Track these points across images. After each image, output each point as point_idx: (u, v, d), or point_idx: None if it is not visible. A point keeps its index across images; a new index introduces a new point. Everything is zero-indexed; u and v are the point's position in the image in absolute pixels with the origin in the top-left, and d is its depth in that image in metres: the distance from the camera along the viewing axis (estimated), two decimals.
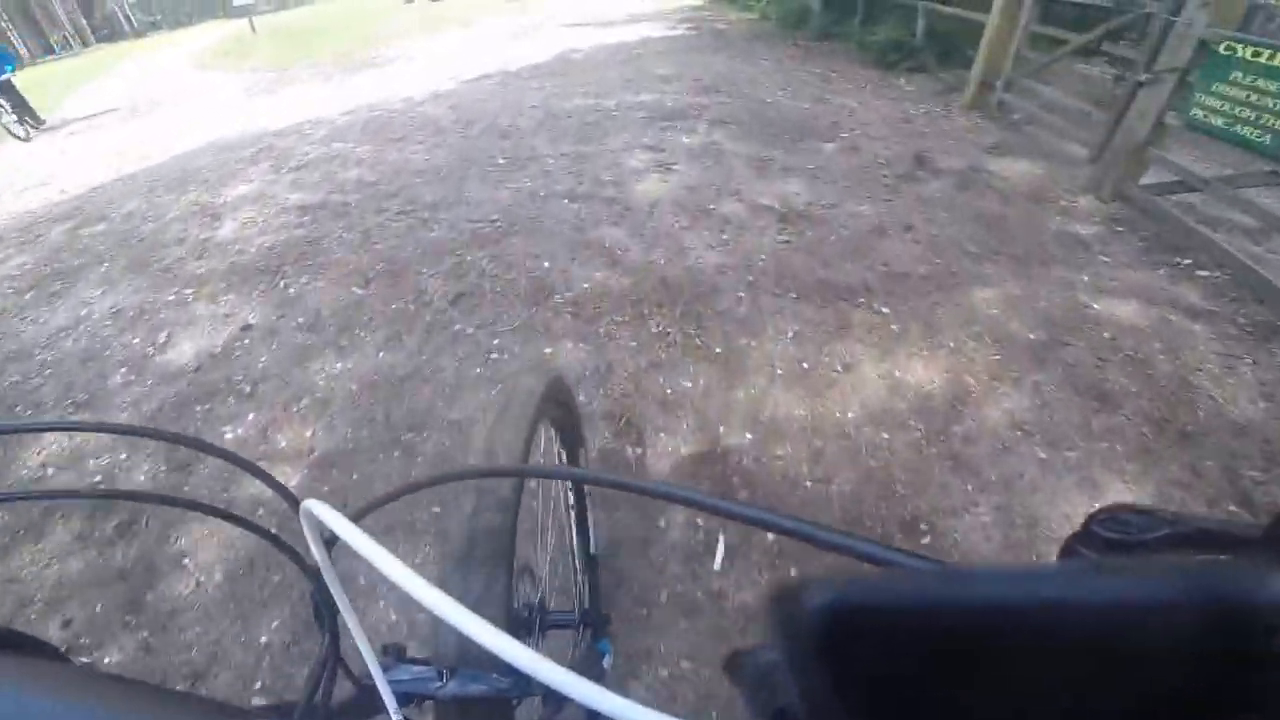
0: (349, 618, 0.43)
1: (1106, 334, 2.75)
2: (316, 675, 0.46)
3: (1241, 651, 0.15)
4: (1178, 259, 3.36)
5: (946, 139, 4.93)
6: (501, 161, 4.74)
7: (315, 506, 0.37)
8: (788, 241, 3.47)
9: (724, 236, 3.55)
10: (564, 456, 1.17)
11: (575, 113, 5.49)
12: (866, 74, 6.83)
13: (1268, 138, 3.14)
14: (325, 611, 0.47)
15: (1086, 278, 3.18)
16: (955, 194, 4.00)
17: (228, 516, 0.49)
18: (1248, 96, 3.21)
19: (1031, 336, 2.74)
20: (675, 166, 4.41)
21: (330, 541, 0.42)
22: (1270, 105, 3.11)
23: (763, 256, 3.35)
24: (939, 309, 2.93)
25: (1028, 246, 3.43)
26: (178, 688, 1.31)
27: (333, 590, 0.42)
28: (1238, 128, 3.30)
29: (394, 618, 1.72)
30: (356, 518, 0.39)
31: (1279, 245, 3.37)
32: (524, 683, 0.53)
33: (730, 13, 11.31)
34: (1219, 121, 3.39)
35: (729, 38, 9.09)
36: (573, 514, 1.26)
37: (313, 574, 0.45)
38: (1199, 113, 3.46)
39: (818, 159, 4.39)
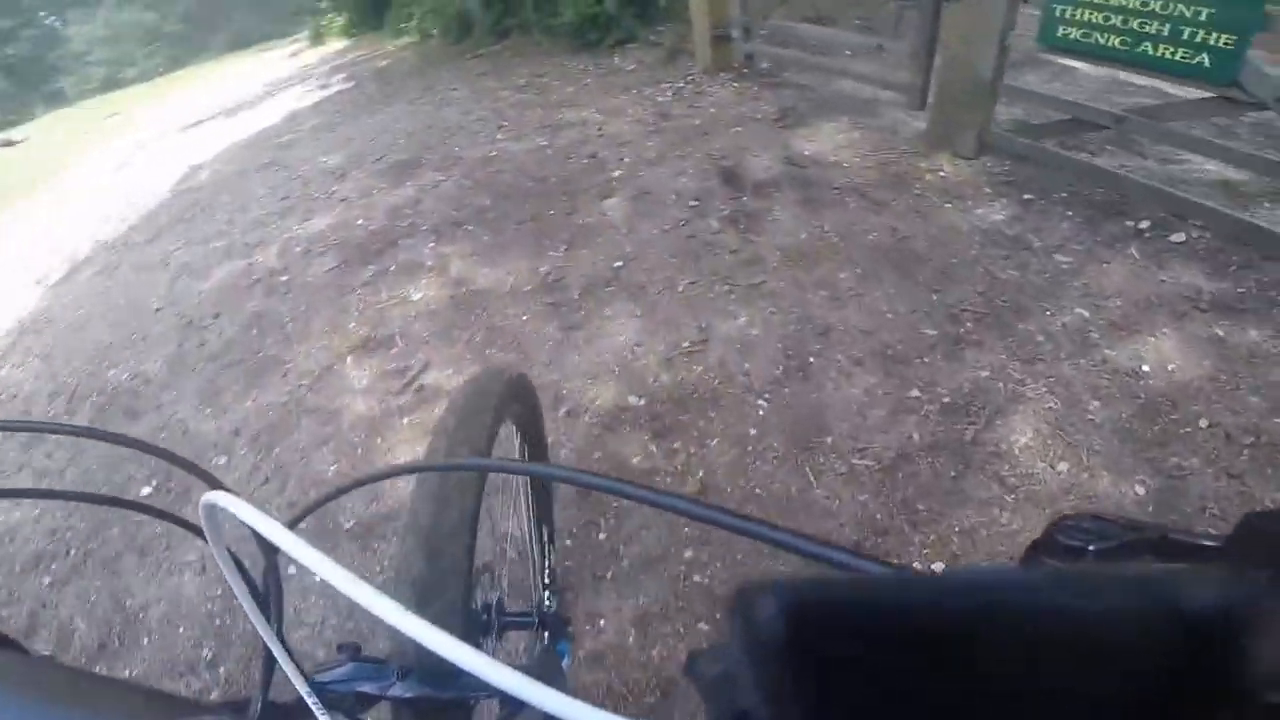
0: (259, 623, 0.41)
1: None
2: (265, 671, 0.44)
3: (1198, 661, 0.15)
4: (1128, 221, 2.50)
5: (726, 125, 3.77)
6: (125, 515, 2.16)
7: (220, 499, 0.35)
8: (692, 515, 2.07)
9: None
10: (527, 456, 1.14)
11: (225, 299, 3.26)
12: (576, 66, 5.49)
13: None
14: (263, 608, 0.43)
15: (1084, 309, 2.16)
16: (811, 218, 2.84)
17: (153, 511, 0.48)
18: None
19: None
20: (426, 377, 2.44)
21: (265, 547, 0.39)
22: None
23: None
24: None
25: (973, 283, 2.37)
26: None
27: (240, 596, 0.40)
28: (1098, 37, 2.44)
29: None
30: (296, 520, 0.40)
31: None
32: (481, 684, 0.36)
33: (385, 43, 9.28)
34: (1076, 35, 2.51)
35: (396, 77, 7.22)
36: (533, 514, 1.18)
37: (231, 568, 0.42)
38: (1063, 30, 2.55)
39: (613, 241, 2.96)
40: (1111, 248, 2.42)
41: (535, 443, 1.18)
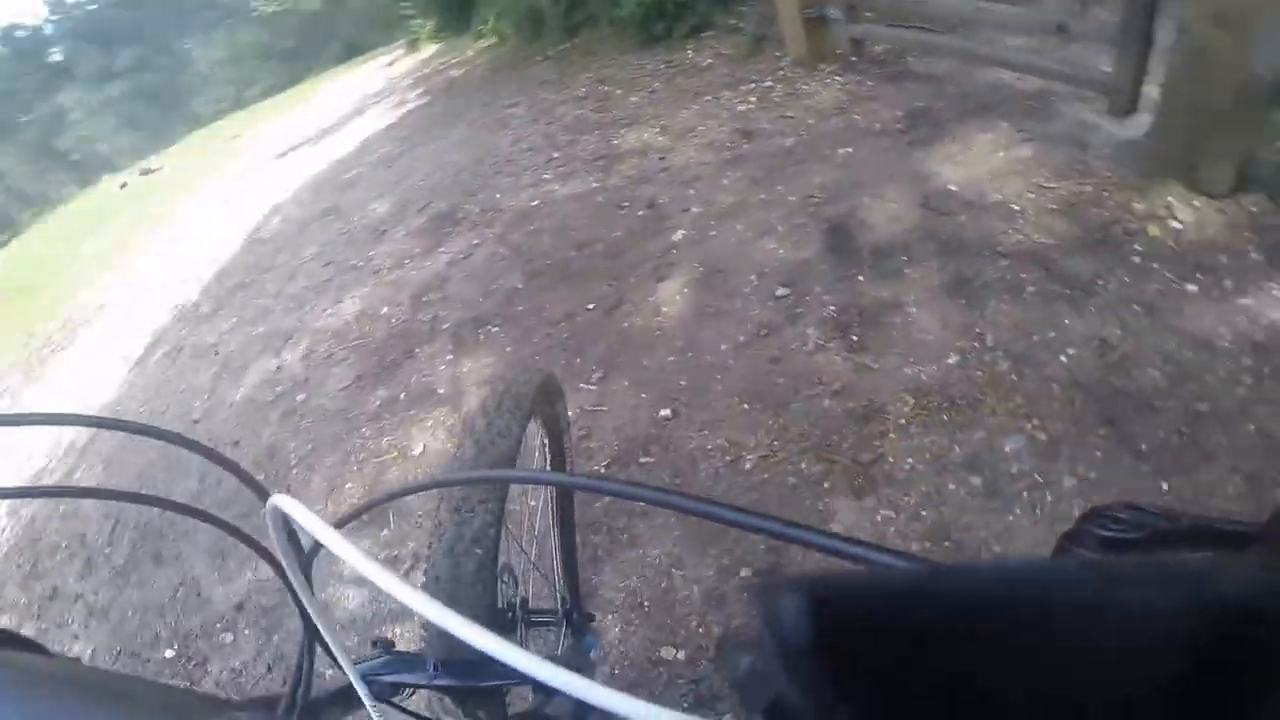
0: (318, 620, 0.41)
1: None
2: (298, 669, 0.45)
3: (1236, 651, 0.15)
4: None
5: (830, 144, 2.73)
6: None
7: (283, 502, 0.35)
8: None
9: None
10: (550, 456, 1.11)
11: (247, 420, 2.77)
12: (644, 66, 4.55)
13: None
14: (299, 608, 0.43)
15: None
16: (964, 318, 1.83)
17: (200, 514, 0.46)
18: None
19: None
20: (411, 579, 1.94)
21: (309, 547, 0.40)
22: None
23: None
24: None
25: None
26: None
27: (299, 591, 0.40)
28: None
29: None
30: (339, 524, 0.38)
31: None
32: (512, 672, 0.36)
33: (467, 47, 8.73)
34: None
35: (466, 87, 6.61)
36: (555, 515, 1.18)
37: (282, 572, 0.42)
38: None
39: (663, 366, 2.08)
40: None
41: (559, 442, 1.15)
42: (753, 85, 3.53)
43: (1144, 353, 1.60)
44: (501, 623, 0.81)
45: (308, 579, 0.42)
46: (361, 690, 0.42)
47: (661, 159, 3.18)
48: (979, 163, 2.35)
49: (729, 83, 3.71)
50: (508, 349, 2.38)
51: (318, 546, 0.36)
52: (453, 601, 0.69)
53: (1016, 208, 2.11)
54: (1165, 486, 1.36)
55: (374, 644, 0.59)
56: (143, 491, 0.46)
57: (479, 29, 8.55)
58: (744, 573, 1.48)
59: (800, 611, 0.15)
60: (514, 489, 0.92)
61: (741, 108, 3.35)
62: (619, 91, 4.31)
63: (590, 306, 2.42)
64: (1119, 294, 1.74)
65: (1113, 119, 2.25)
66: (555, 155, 3.75)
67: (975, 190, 2.23)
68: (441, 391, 2.33)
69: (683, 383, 1.95)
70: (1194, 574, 0.17)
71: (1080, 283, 1.81)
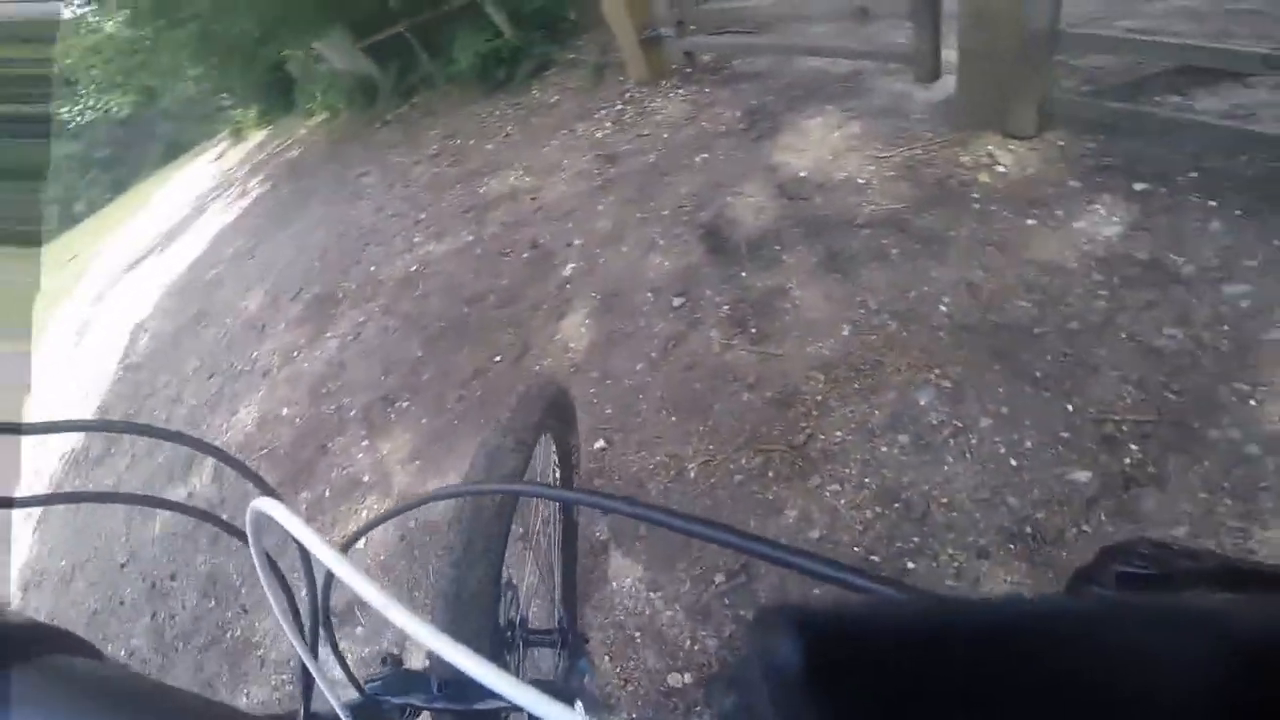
0: (295, 640, 0.40)
1: None
2: (304, 686, 0.44)
3: (1259, 695, 0.14)
4: None
5: (688, 153, 2.84)
6: None
7: (268, 506, 0.34)
8: None
9: None
10: (558, 471, 1.12)
11: (177, 553, 2.47)
12: (492, 113, 4.55)
13: None
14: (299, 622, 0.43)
15: None
16: (844, 289, 1.94)
17: (203, 515, 0.46)
18: None
19: None
20: None
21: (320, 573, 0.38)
22: None
23: None
24: None
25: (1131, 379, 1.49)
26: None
27: (273, 602, 0.39)
28: None
29: None
30: (347, 544, 0.40)
31: None
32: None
33: (298, 127, 8.36)
34: None
35: (309, 165, 6.33)
36: (560, 530, 1.17)
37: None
38: None
39: (585, 400, 2.08)
40: None
41: (569, 456, 1.15)
42: (604, 112, 3.62)
43: (1008, 286, 1.76)
44: (501, 642, 0.81)
45: (319, 603, 0.43)
46: (345, 716, 0.41)
47: (533, 199, 3.18)
48: (819, 146, 2.53)
49: (581, 114, 3.77)
50: (423, 420, 2.28)
51: (330, 575, 0.34)
52: (455, 619, 0.71)
53: (862, 180, 2.28)
54: (1069, 408, 1.49)
55: (384, 660, 0.59)
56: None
57: (307, 107, 8.24)
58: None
59: (792, 644, 0.14)
60: (521, 505, 0.93)
61: (599, 135, 3.42)
62: (472, 142, 4.28)
63: (497, 359, 2.37)
64: (971, 239, 1.92)
65: (921, 86, 2.49)
66: (422, 216, 3.66)
67: (822, 172, 2.39)
68: (367, 479, 2.19)
69: (609, 411, 1.94)
70: (1214, 615, 0.16)
71: (936, 236, 1.97)
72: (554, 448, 1.09)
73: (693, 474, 1.71)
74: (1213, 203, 1.74)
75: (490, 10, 4.72)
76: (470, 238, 3.15)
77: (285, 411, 2.82)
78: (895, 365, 1.72)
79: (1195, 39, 1.88)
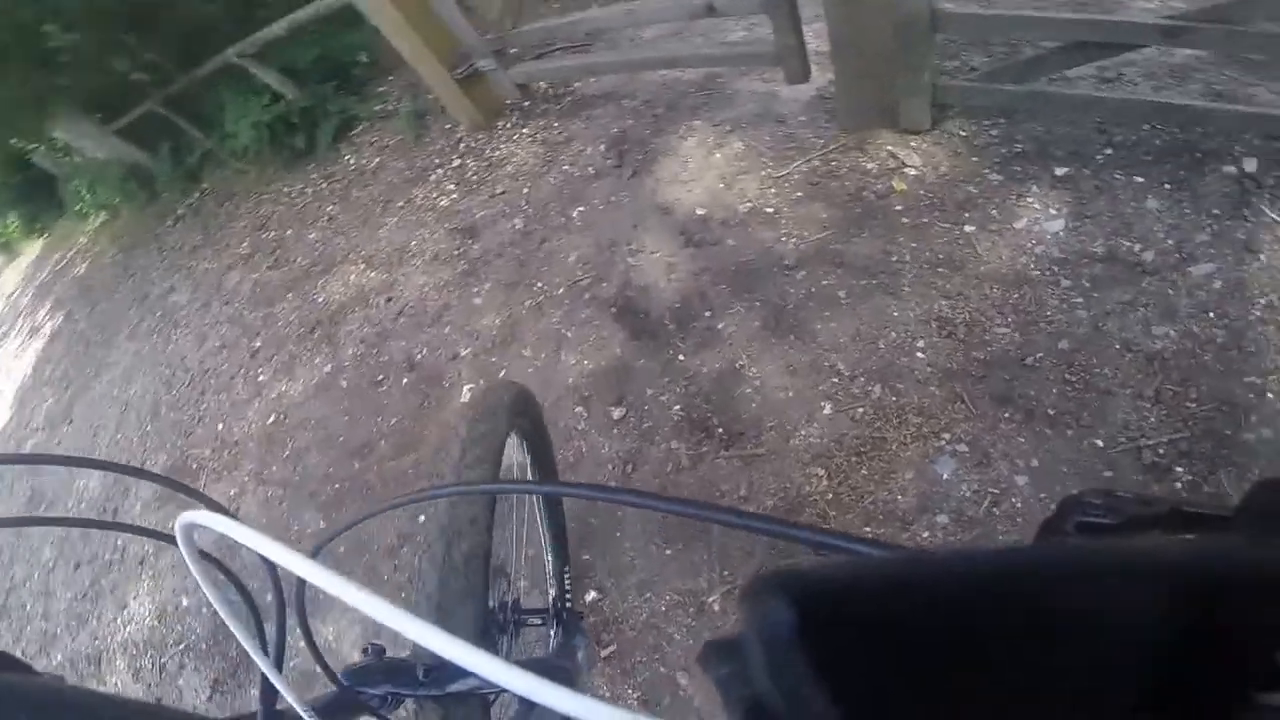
0: (242, 638, 0.38)
1: None
2: (265, 688, 0.43)
3: (1213, 628, 0.15)
4: (1226, 168, 1.49)
5: (559, 210, 2.42)
6: None
7: (200, 517, 0.33)
8: None
9: None
10: (532, 464, 1.13)
11: None
12: (304, 191, 3.81)
13: None
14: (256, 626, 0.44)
15: None
16: (797, 349, 1.66)
17: (132, 529, 0.46)
18: None
19: None
20: None
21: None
22: None
23: None
24: None
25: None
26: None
27: (215, 604, 0.37)
28: None
29: None
30: (316, 548, 0.39)
31: None
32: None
33: (76, 234, 6.82)
34: None
35: (103, 283, 5.07)
36: (544, 516, 1.21)
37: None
38: None
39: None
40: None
41: (542, 450, 1.17)
42: (441, 171, 3.07)
43: (980, 312, 1.56)
44: (493, 624, 0.81)
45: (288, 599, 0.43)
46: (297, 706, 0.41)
47: (389, 300, 2.62)
48: (705, 173, 2.21)
49: (413, 177, 3.19)
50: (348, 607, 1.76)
51: (295, 577, 0.33)
52: (445, 607, 0.70)
53: (770, 209, 1.99)
54: (1099, 443, 1.31)
55: (364, 650, 0.58)
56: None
57: (77, 208, 6.75)
58: None
59: (784, 607, 0.14)
60: (502, 506, 0.93)
61: (444, 202, 2.88)
62: (290, 232, 3.55)
63: (421, 518, 1.87)
64: (917, 262, 1.69)
65: (794, 86, 2.22)
66: (258, 344, 2.95)
67: (722, 205, 2.08)
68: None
69: (586, 557, 1.55)
70: (1172, 552, 0.17)
71: (878, 265, 1.73)
72: (525, 445, 1.09)
73: (716, 607, 1.39)
74: (1138, 178, 1.62)
75: (255, 70, 3.90)
76: (328, 367, 2.54)
77: (185, 601, 2.15)
78: (898, 439, 1.46)
79: (1086, 12, 1.74)
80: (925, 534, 1.35)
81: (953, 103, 1.90)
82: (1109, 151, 1.69)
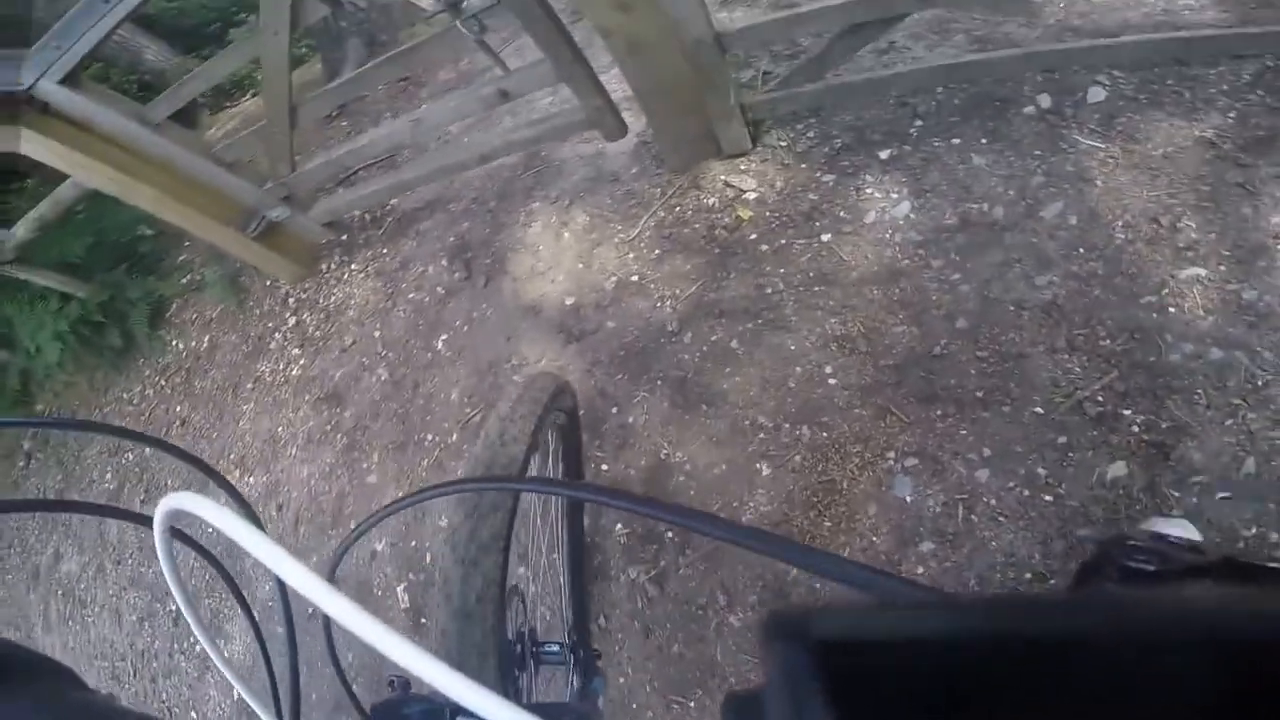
0: (203, 638, 0.38)
1: None
2: (275, 702, 0.43)
3: (1265, 690, 0.14)
4: (1026, 109, 1.54)
5: (421, 347, 2.22)
6: None
7: (184, 500, 0.30)
8: None
9: None
10: (564, 467, 1.07)
11: None
12: (142, 393, 3.35)
13: None
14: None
15: None
16: (711, 422, 1.56)
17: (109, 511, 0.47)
18: None
19: None
20: None
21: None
22: None
23: None
24: None
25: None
26: None
27: (186, 613, 0.38)
28: None
29: None
30: (339, 551, 0.43)
31: None
32: None
33: None
34: None
35: None
36: (566, 530, 1.13)
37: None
38: None
39: None
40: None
41: (573, 454, 1.11)
42: (280, 336, 2.76)
43: (871, 319, 1.51)
44: (510, 658, 0.78)
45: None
46: None
47: (280, 508, 2.30)
48: (561, 258, 2.08)
49: (252, 350, 2.86)
50: None
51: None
52: (462, 638, 0.67)
53: (635, 277, 1.89)
54: (1039, 410, 1.29)
55: (390, 683, 0.56)
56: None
57: None
58: None
59: (803, 658, 0.14)
60: (524, 507, 0.89)
61: (295, 371, 2.58)
62: (148, 450, 3.09)
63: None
64: (791, 286, 1.64)
65: (614, 142, 2.14)
66: (173, 608, 2.52)
67: (589, 288, 1.96)
68: None
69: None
70: (1225, 609, 0.16)
71: (755, 303, 1.66)
72: (560, 445, 1.04)
73: None
74: (955, 140, 1.65)
75: (25, 276, 3.40)
76: (257, 611, 2.19)
77: None
78: (846, 475, 1.38)
79: None
80: (919, 568, 1.27)
81: (764, 116, 1.88)
82: (920, 123, 1.71)
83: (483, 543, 0.72)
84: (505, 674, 0.74)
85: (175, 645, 2.45)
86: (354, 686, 0.49)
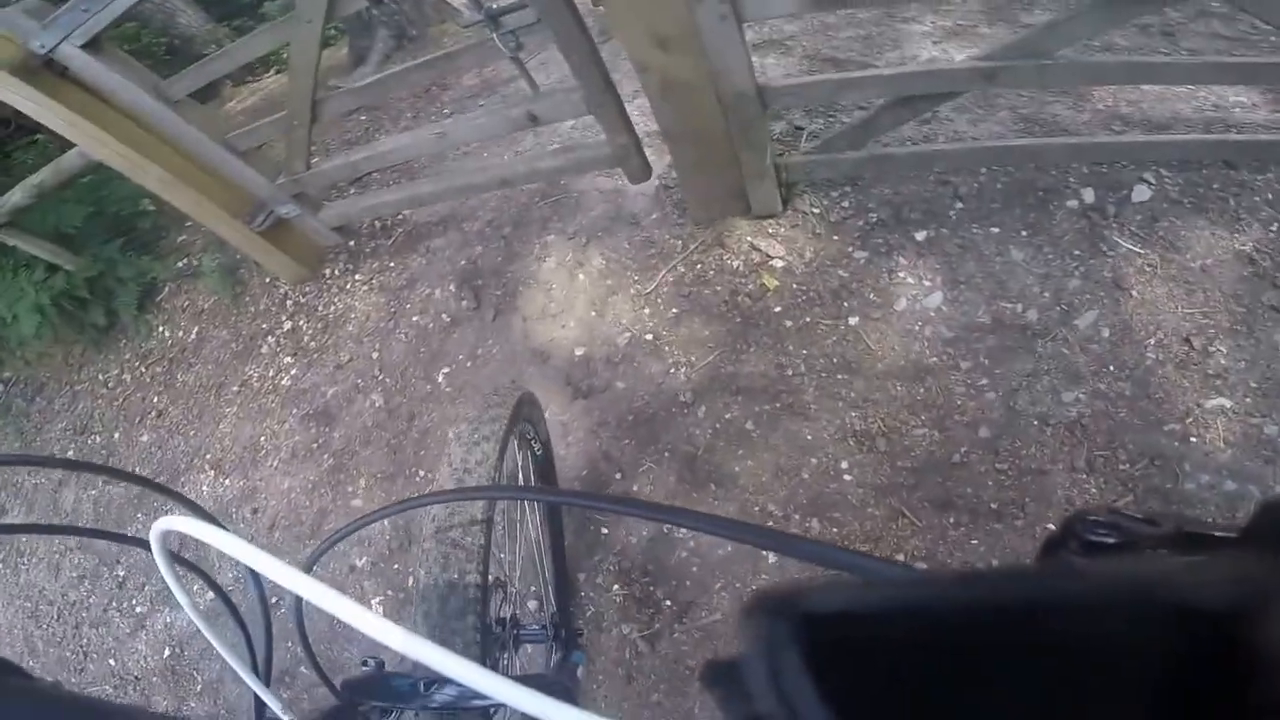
0: (219, 645, 0.40)
1: None
2: (258, 700, 0.42)
3: (1214, 652, 0.14)
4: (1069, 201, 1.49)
5: (418, 387, 2.15)
6: None
7: (178, 524, 0.32)
8: None
9: None
10: (534, 472, 1.11)
11: None
12: (120, 379, 3.24)
13: None
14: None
15: None
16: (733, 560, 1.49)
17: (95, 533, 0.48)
18: None
19: None
20: None
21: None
22: None
23: None
24: None
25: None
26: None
27: (193, 617, 0.39)
28: None
29: None
30: (310, 560, 0.40)
31: None
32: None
33: None
34: None
35: None
36: (544, 528, 1.17)
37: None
38: None
39: None
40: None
41: (543, 459, 1.15)
42: (273, 340, 2.67)
43: (892, 416, 1.47)
44: (492, 640, 0.79)
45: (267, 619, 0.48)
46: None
47: (255, 512, 2.22)
48: (574, 301, 2.02)
49: (242, 350, 2.76)
50: None
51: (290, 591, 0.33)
52: (443, 621, 0.68)
53: (650, 336, 1.83)
54: (1052, 527, 1.22)
55: (364, 662, 0.57)
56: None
57: None
58: None
59: (783, 629, 0.14)
60: (500, 507, 0.90)
61: (286, 381, 2.50)
62: (118, 435, 2.98)
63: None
64: (813, 370, 1.59)
65: (637, 184, 2.07)
66: (122, 574, 2.42)
67: (601, 341, 1.89)
68: None
69: None
70: (1174, 577, 0.16)
71: (775, 383, 1.61)
72: (528, 452, 1.08)
73: None
74: (994, 229, 1.60)
75: (15, 241, 3.27)
76: (210, 595, 2.10)
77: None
78: None
79: (906, 65, 1.71)
80: None
81: (799, 179, 1.82)
82: (960, 205, 1.66)
83: (464, 527, 0.75)
84: (486, 653, 0.76)
85: (112, 606, 2.36)
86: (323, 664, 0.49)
